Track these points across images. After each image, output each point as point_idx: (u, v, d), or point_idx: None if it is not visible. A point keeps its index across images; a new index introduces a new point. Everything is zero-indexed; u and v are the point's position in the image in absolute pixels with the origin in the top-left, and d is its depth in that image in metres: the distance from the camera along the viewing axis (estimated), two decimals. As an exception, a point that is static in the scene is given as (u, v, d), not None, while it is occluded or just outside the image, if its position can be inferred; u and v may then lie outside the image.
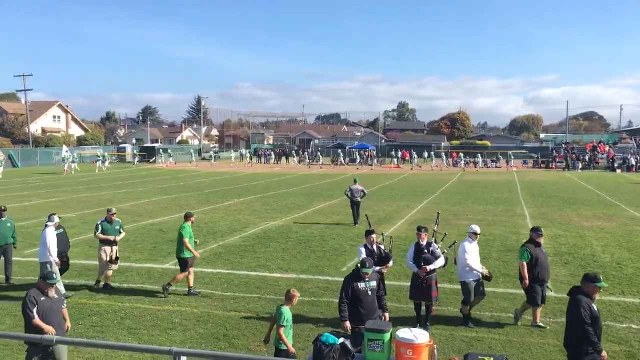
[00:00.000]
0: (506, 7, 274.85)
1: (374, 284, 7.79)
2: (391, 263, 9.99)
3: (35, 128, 78.17)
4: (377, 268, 9.75)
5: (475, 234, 10.12)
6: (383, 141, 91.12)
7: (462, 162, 59.72)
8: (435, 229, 11.37)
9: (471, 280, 9.83)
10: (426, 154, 67.42)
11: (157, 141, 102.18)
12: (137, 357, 8.21)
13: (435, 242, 10.35)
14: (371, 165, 63.04)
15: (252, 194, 31.46)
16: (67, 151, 55.83)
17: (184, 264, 11.59)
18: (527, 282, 9.58)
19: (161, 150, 66.75)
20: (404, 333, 5.55)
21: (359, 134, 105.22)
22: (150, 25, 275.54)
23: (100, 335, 9.20)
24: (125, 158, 68.69)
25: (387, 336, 5.73)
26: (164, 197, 29.33)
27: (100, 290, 11.90)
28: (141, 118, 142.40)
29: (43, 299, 6.94)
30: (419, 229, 10.05)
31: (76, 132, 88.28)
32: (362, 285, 7.71)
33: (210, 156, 69.41)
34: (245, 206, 25.57)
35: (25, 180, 40.94)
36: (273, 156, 69.57)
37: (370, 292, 7.73)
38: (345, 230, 19.17)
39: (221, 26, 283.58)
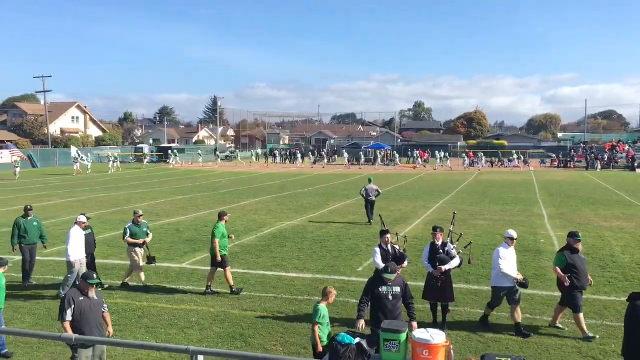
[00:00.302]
0: (523, 4, 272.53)
1: (397, 289, 7.57)
2: (406, 263, 9.97)
3: (54, 129, 79.11)
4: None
5: (512, 239, 9.78)
6: (399, 141, 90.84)
7: (483, 161, 59.42)
8: (451, 229, 11.32)
9: (505, 286, 9.51)
10: (442, 154, 67.07)
11: (173, 141, 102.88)
12: (155, 355, 8.28)
13: (451, 242, 10.31)
14: (387, 164, 62.91)
15: (268, 193, 31.55)
16: (77, 152, 55.83)
17: (223, 262, 11.66)
18: (567, 281, 9.18)
19: (176, 151, 67.14)
20: (420, 333, 5.54)
21: (374, 133, 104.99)
22: (167, 26, 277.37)
23: (118, 333, 9.29)
24: (142, 158, 69.26)
25: (403, 336, 5.72)
26: (180, 197, 29.52)
27: (118, 289, 12.02)
28: (158, 118, 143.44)
29: (81, 298, 6.88)
30: (435, 229, 10.01)
31: (94, 132, 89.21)
32: (383, 289, 7.55)
33: (216, 156, 69.42)
34: (261, 206, 25.65)
35: (45, 180, 41.45)
36: (285, 156, 69.60)
37: (391, 297, 7.53)
38: (361, 230, 19.15)
39: (237, 27, 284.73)
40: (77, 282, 7.07)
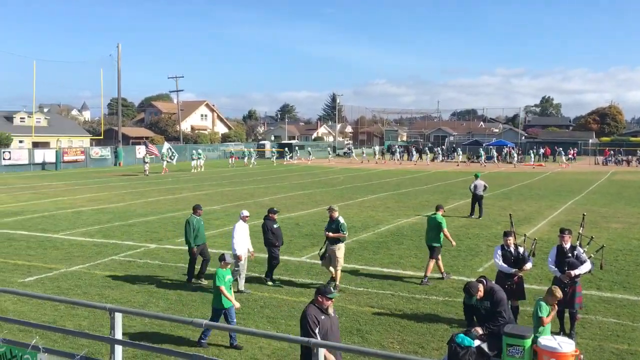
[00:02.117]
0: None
1: (487, 304, 7.44)
2: (529, 265, 9.52)
3: (185, 126, 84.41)
4: (513, 270, 9.37)
5: None
6: (523, 137, 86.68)
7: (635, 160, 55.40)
8: (581, 231, 10.63)
9: None
10: (571, 151, 63.10)
11: (293, 138, 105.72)
12: (275, 344, 8.59)
13: (580, 245, 9.68)
14: (511, 162, 60.32)
15: (385, 190, 31.49)
16: (168, 148, 51.39)
17: (438, 250, 12.44)
18: None
19: (297, 147, 68.96)
20: (547, 340, 5.28)
21: (496, 130, 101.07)
22: (290, 26, 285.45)
23: (242, 321, 9.73)
24: (264, 154, 71.87)
25: (528, 342, 5.48)
26: (299, 192, 30.30)
27: (248, 280, 12.55)
28: (279, 115, 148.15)
29: (323, 317, 6.11)
30: (562, 231, 9.46)
31: (221, 129, 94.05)
32: (476, 303, 7.52)
33: (329, 152, 70.12)
34: (378, 202, 25.66)
35: (176, 174, 44.34)
36: (403, 153, 68.87)
37: (484, 311, 7.45)
38: (482, 230, 18.55)
39: (357, 24, 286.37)
40: (314, 297, 6.27)
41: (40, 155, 49.80)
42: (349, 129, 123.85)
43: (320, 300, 6.10)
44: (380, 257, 14.66)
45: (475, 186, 21.65)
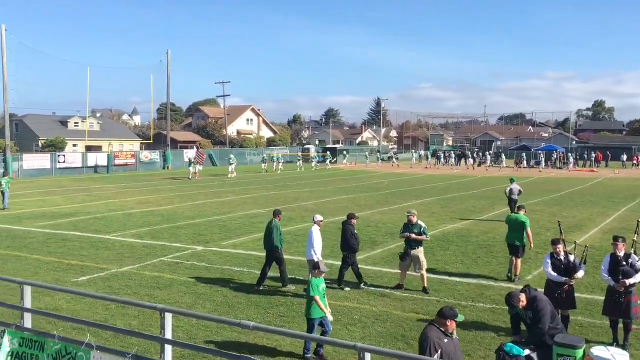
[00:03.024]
0: None
1: (530, 314, 7.33)
2: (580, 274, 9.24)
3: (231, 130, 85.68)
4: (564, 279, 9.12)
5: None
6: (574, 142, 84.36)
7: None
8: (635, 239, 10.26)
9: None
10: (625, 157, 61.03)
11: (338, 142, 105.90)
12: (328, 348, 8.60)
13: (635, 253, 9.34)
14: (561, 168, 58.83)
15: (430, 195, 31.16)
16: (192, 154, 52.15)
17: (522, 250, 12.77)
18: None
19: (344, 152, 69.04)
20: (600, 351, 5.12)
21: (546, 135, 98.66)
22: (335, 31, 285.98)
23: (286, 325, 9.81)
24: (309, 159, 72.23)
25: (580, 352, 5.34)
26: (343, 197, 30.30)
27: (295, 283, 12.63)
28: (324, 120, 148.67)
29: (446, 340, 5.72)
30: (616, 239, 9.15)
31: (266, 134, 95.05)
32: (522, 313, 7.42)
33: (367, 157, 69.59)
34: (423, 208, 25.41)
35: (222, 178, 45.01)
36: (449, 157, 67.88)
37: (529, 321, 7.34)
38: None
39: (403, 28, 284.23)
40: (435, 319, 5.97)
41: (93, 159, 51.44)
42: (393, 133, 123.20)
43: (448, 323, 5.74)
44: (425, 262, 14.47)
45: (511, 190, 21.95)
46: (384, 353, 5.05)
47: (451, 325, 5.72)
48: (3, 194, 24.80)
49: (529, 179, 43.98)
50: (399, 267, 12.28)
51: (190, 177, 43.41)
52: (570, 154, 62.75)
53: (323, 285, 8.79)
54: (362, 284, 12.25)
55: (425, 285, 11.93)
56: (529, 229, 12.87)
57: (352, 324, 9.92)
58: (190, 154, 56.71)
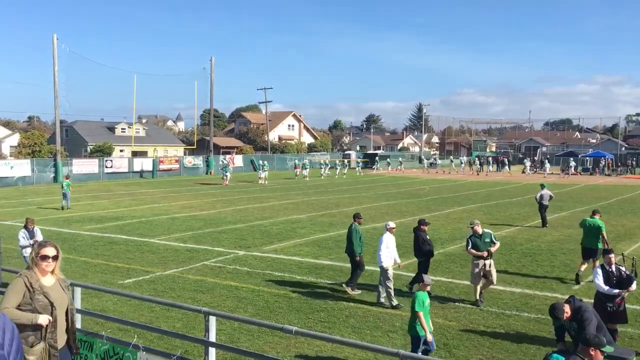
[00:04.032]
0: None
1: (574, 324, 7.19)
2: (634, 286, 8.93)
3: (272, 136, 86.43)
4: (616, 291, 8.83)
5: None
6: (623, 148, 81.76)
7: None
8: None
9: None
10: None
11: (379, 148, 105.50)
12: (360, 355, 8.59)
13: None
14: (609, 174, 57.14)
15: (473, 202, 30.70)
16: (223, 160, 53.26)
17: (599, 252, 12.60)
18: None
19: (388, 158, 68.81)
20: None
21: (593, 140, 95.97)
22: (378, 37, 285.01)
23: (327, 330, 9.82)
24: (350, 164, 72.18)
25: (630, 366, 5.17)
26: (384, 203, 30.15)
27: (327, 287, 12.65)
28: (365, 126, 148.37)
29: None
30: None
31: (307, 139, 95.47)
32: (566, 324, 7.34)
33: (399, 161, 68.74)
34: (465, 215, 25.05)
35: (268, 183, 45.36)
36: (492, 163, 66.64)
37: (573, 332, 7.23)
38: (577, 246, 17.58)
39: (446, 33, 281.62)
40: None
41: (138, 164, 52.69)
42: (435, 139, 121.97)
43: (592, 352, 4.97)
44: (468, 270, 14.22)
45: (542, 196, 21.75)
46: (426, 361, 4.99)
47: (596, 355, 4.93)
48: (65, 195, 26.72)
49: (576, 186, 42.85)
50: (473, 281, 11.69)
51: (226, 182, 43.55)
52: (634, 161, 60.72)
53: (428, 301, 8.33)
54: (408, 287, 12.24)
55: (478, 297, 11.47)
56: (604, 233, 13.21)
57: (393, 331, 9.86)
58: (221, 160, 57.07)
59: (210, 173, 56.99)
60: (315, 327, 10.02)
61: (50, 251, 5.06)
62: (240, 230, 20.37)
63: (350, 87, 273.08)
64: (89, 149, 64.77)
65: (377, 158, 69.20)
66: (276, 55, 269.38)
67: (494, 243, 11.79)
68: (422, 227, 12.52)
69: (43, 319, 4.84)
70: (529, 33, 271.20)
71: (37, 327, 4.86)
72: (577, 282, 12.99)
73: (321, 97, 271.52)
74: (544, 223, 21.55)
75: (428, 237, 12.57)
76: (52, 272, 5.12)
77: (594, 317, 7.15)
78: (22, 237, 12.52)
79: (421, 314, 8.09)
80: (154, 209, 26.82)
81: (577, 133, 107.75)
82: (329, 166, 59.61)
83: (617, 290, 8.81)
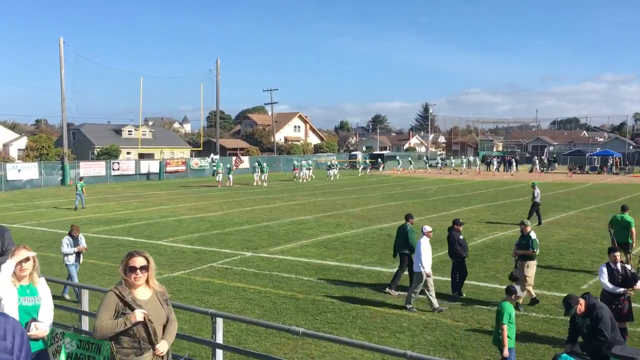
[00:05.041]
0: None
1: (588, 321, 7.09)
2: (639, 285, 8.87)
3: (279, 137, 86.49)
4: (621, 289, 8.78)
5: None
6: (631, 147, 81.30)
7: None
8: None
9: None
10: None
11: (385, 148, 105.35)
12: (368, 355, 8.57)
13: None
14: (617, 173, 56.84)
15: (480, 202, 30.61)
16: (214, 158, 52.24)
17: (631, 246, 13.73)
18: None
19: (398, 158, 68.74)
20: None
21: (601, 139, 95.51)
22: (384, 37, 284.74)
23: (334, 331, 9.80)
24: (356, 165, 72.10)
25: (639, 366, 5.13)
26: (391, 203, 30.11)
27: (334, 288, 12.62)
28: (371, 126, 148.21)
29: None
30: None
31: (313, 140, 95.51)
32: (578, 320, 7.23)
33: (398, 162, 68.28)
34: (472, 214, 24.99)
35: (270, 184, 45.42)
36: (499, 163, 66.42)
37: (585, 329, 7.12)
38: (585, 245, 17.58)
39: (452, 32, 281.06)
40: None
41: (145, 166, 52.82)
42: (441, 139, 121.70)
43: None
44: (475, 270, 14.24)
45: (537, 194, 22.49)
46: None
47: None
48: (80, 196, 27.98)
49: (583, 185, 42.65)
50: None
51: (230, 183, 43.50)
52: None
53: (514, 313, 7.88)
54: (456, 293, 12.03)
55: (533, 296, 11.42)
56: (633, 228, 13.82)
57: (401, 331, 9.83)
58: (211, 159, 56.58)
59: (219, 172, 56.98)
60: (323, 328, 10.00)
61: (138, 262, 4.65)
62: (247, 232, 20.38)
63: (356, 87, 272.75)
64: (96, 152, 65.02)
65: (380, 159, 68.98)
66: (281, 56, 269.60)
67: (531, 248, 11.46)
68: (456, 226, 12.43)
69: (138, 314, 4.46)
70: (535, 31, 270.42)
71: (137, 336, 4.51)
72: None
73: (327, 98, 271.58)
74: (539, 220, 21.99)
75: (462, 237, 12.43)
76: (147, 284, 4.74)
77: (609, 315, 7.12)
78: (66, 244, 12.07)
79: (505, 327, 7.51)
80: (161, 211, 26.89)
81: (585, 132, 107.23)
82: (338, 167, 58.69)
83: (621, 289, 8.77)
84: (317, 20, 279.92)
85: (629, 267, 9.06)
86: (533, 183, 23.78)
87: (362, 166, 61.34)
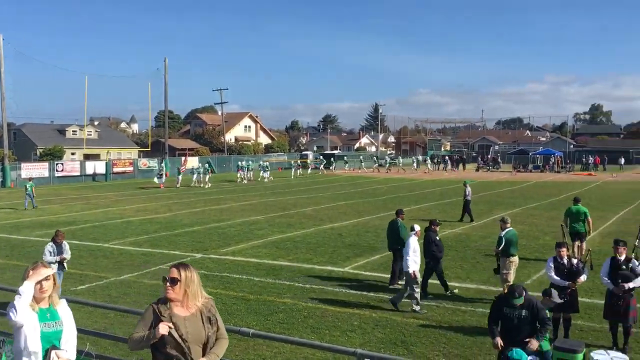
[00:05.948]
0: None
1: (524, 312, 6.90)
2: (583, 278, 9.22)
3: (229, 137, 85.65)
4: (567, 283, 9.10)
5: None
6: (571, 146, 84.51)
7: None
8: (637, 243, 10.30)
9: None
10: (622, 160, 61.13)
11: (336, 148, 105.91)
12: (319, 355, 8.59)
13: (636, 258, 9.35)
14: (558, 171, 58.90)
15: (429, 200, 31.17)
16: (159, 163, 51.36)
17: (585, 235, 14.53)
18: None
19: (346, 158, 69.19)
20: (600, 355, 5.13)
21: (543, 139, 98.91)
22: (333, 36, 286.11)
23: (286, 331, 9.78)
24: (306, 165, 72.12)
25: (580, 357, 5.35)
26: (342, 203, 30.29)
27: (285, 288, 12.61)
28: (322, 126, 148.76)
29: None
30: (617, 242, 9.15)
31: (264, 140, 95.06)
32: (507, 311, 6.99)
33: (345, 162, 68.81)
34: (422, 213, 25.40)
35: (220, 185, 44.96)
36: (446, 162, 67.92)
37: (516, 321, 6.90)
38: (529, 241, 18.14)
39: (401, 33, 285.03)
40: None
41: (91, 167, 51.36)
42: (391, 139, 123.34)
43: None
44: (422, 267, 14.46)
45: (469, 192, 23.22)
46: (383, 358, 5.03)
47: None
48: (29, 196, 28.11)
49: (526, 183, 44.02)
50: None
51: (177, 184, 42.83)
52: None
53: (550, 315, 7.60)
54: (448, 292, 12.07)
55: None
56: (589, 218, 14.99)
57: (352, 329, 9.90)
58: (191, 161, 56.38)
59: (166, 175, 56.03)
60: (274, 328, 9.97)
61: (171, 273, 4.30)
62: (197, 233, 20.10)
63: (307, 87, 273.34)
64: (38, 153, 62.81)
65: (332, 158, 69.26)
66: (232, 55, 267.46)
67: (496, 245, 12.09)
68: (433, 227, 12.46)
69: (162, 328, 4.17)
70: (482, 33, 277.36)
71: (171, 354, 4.24)
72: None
73: (277, 98, 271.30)
74: (471, 218, 22.79)
75: (439, 239, 12.40)
76: (186, 302, 4.35)
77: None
78: (49, 252, 11.18)
79: None
80: (108, 213, 26.21)
81: (528, 132, 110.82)
82: (297, 166, 58.29)
83: (567, 282, 9.10)
84: (268, 21, 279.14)
85: (575, 261, 9.39)
86: (465, 182, 24.36)
87: (296, 166, 58.86)
